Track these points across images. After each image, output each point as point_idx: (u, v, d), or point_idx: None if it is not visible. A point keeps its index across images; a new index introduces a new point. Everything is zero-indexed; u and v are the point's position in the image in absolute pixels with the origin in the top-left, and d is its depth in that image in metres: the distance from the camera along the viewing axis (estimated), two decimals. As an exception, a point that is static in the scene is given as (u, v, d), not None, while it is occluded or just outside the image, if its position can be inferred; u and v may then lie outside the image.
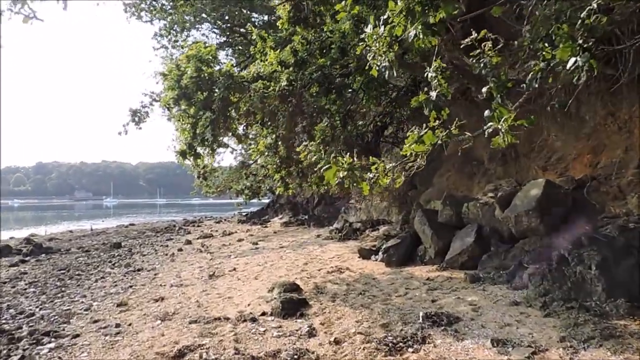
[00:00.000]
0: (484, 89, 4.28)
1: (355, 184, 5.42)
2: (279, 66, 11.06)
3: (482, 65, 4.19)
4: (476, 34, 4.27)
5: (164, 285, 10.06)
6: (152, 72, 24.35)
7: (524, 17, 7.19)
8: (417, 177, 10.08)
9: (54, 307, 8.66)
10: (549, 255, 7.44)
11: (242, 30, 25.36)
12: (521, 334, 5.45)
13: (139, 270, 12.49)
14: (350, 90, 12.45)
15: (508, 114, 3.96)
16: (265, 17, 25.47)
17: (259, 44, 11.98)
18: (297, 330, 6.27)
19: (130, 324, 7.11)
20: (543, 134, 10.39)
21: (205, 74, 10.77)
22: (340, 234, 16.65)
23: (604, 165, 8.75)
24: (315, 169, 8.76)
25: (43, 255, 16.66)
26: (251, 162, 23.65)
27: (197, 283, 10.11)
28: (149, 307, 8.20)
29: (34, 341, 6.47)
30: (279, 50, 11.42)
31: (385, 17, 4.85)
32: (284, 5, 9.16)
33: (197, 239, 20.80)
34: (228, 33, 27.07)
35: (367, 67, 5.79)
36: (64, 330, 7.02)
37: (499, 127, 4.00)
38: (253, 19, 25.63)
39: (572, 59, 3.49)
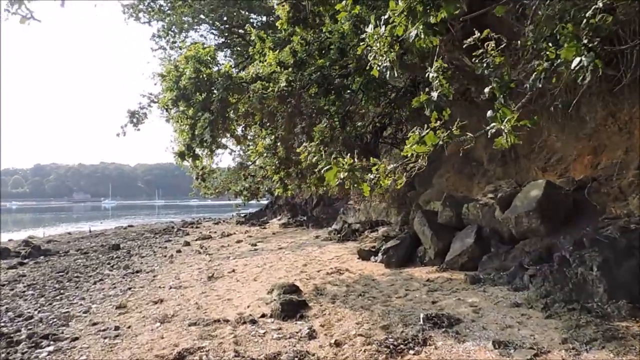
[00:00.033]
0: (487, 89, 4.25)
1: (355, 185, 5.38)
2: (278, 67, 11.03)
3: (484, 65, 4.16)
4: (479, 34, 4.24)
5: (163, 287, 10.02)
6: (151, 73, 24.35)
7: (525, 17, 7.19)
8: (416, 178, 10.04)
9: (53, 309, 8.61)
10: (549, 257, 7.44)
11: (240, 31, 25.34)
12: (523, 336, 5.42)
13: (137, 272, 12.44)
14: (349, 91, 12.42)
15: (511, 114, 3.94)
16: (264, 18, 25.46)
17: (258, 45, 11.95)
18: (297, 332, 6.23)
19: (129, 327, 7.07)
20: (543, 135, 10.36)
21: (204, 75, 10.73)
22: (339, 235, 16.63)
23: (604, 166, 8.73)
24: (315, 170, 8.74)
25: (41, 257, 16.60)
26: (250, 163, 23.63)
27: (196, 285, 10.07)
28: (148, 309, 8.16)
29: (33, 344, 6.42)
30: (277, 51, 11.39)
31: (386, 17, 4.82)
32: (283, 6, 9.12)
33: (196, 240, 20.75)
34: (226, 34, 27.06)
35: (367, 68, 5.76)
36: (62, 333, 6.97)
37: (502, 127, 3.98)
38: (251, 20, 25.63)
39: (577, 59, 3.46)
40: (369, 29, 5.07)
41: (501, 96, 4.05)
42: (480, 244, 9.14)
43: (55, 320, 7.76)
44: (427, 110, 4.71)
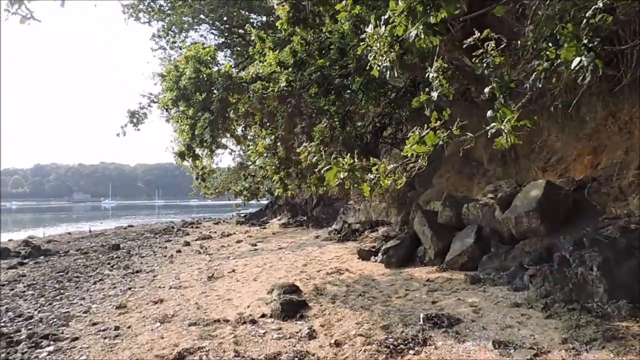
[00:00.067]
0: (487, 89, 4.25)
1: (356, 185, 5.38)
2: (278, 67, 11.03)
3: (485, 65, 4.16)
4: (479, 34, 4.23)
5: (163, 287, 10.02)
6: (151, 73, 24.37)
7: (524, 17, 7.18)
8: (416, 178, 10.05)
9: (53, 309, 8.61)
10: (549, 257, 7.44)
11: (240, 31, 25.34)
12: (523, 336, 5.42)
13: (137, 272, 12.43)
14: (349, 91, 12.42)
15: (511, 114, 3.93)
16: (264, 18, 25.46)
17: (258, 45, 11.95)
18: (297, 333, 6.23)
19: (129, 327, 7.07)
20: (543, 135, 10.36)
21: (204, 75, 10.73)
22: (339, 235, 16.63)
23: (604, 166, 8.72)
24: (315, 170, 8.73)
25: (41, 257, 16.59)
26: (250, 163, 23.62)
27: (196, 285, 10.06)
28: (148, 309, 8.15)
29: (33, 344, 6.42)
30: (277, 51, 11.39)
31: (386, 16, 4.81)
32: (283, 6, 9.12)
33: (196, 240, 20.75)
34: (226, 34, 27.06)
35: (367, 68, 5.76)
36: (62, 333, 6.96)
37: (502, 127, 3.98)
38: (251, 20, 25.61)
39: (577, 59, 3.45)
40: (369, 29, 5.07)
41: (501, 96, 4.04)
42: (480, 244, 9.14)
43: (55, 320, 7.76)
44: (427, 110, 4.71)
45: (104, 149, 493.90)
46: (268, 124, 12.03)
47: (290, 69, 10.92)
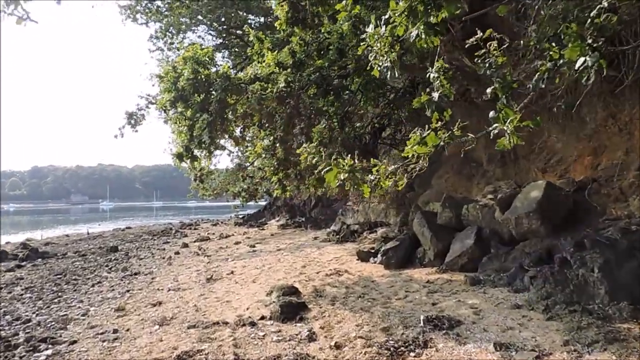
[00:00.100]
0: (489, 90, 4.21)
1: (356, 187, 5.34)
2: (277, 67, 10.99)
3: (487, 65, 4.12)
4: (482, 33, 4.20)
5: (162, 290, 9.97)
6: (148, 75, 24.34)
7: (525, 17, 7.16)
8: (415, 178, 10.01)
9: (51, 312, 8.56)
10: (550, 258, 7.41)
11: (238, 32, 25.30)
12: (524, 338, 5.39)
13: (136, 274, 12.38)
14: (348, 91, 12.40)
15: (514, 115, 3.90)
16: (262, 19, 25.42)
17: (256, 46, 11.91)
18: (297, 335, 6.20)
19: (128, 330, 7.02)
20: (543, 136, 10.33)
21: (202, 76, 10.69)
22: (337, 236, 16.59)
23: (604, 167, 8.70)
24: (314, 171, 8.69)
25: (39, 260, 16.52)
26: (248, 164, 23.59)
27: (195, 287, 10.02)
28: (147, 311, 8.11)
29: (31, 348, 6.37)
30: (276, 51, 11.35)
31: (386, 16, 4.78)
32: (282, 6, 9.08)
33: (194, 242, 20.69)
34: (224, 35, 27.02)
35: (368, 68, 5.73)
36: (61, 336, 6.92)
37: (505, 128, 3.94)
38: (249, 21, 25.57)
39: (581, 59, 3.42)
40: (370, 29, 5.03)
41: (503, 97, 4.01)
42: (480, 245, 9.10)
43: (53, 323, 7.71)
44: (428, 110, 4.67)
45: (101, 150, 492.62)
46: (267, 125, 11.99)
47: (289, 70, 10.88)
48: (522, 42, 4.80)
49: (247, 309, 7.76)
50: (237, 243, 18.92)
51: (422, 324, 6.08)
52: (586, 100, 8.55)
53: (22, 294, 10.35)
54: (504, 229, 8.96)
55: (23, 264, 15.50)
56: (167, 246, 19.74)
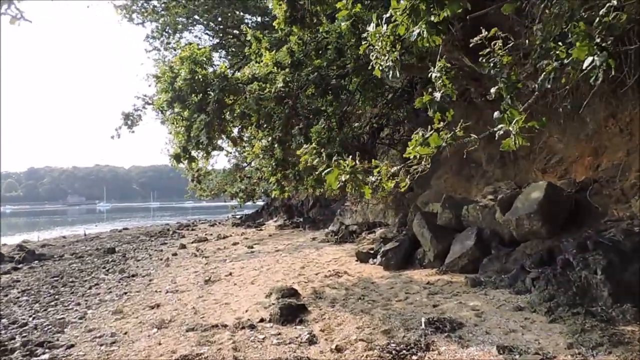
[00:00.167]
0: (493, 90, 4.15)
1: (357, 189, 5.27)
2: (275, 67, 10.92)
3: (491, 65, 4.06)
4: (487, 32, 4.13)
5: (160, 292, 9.89)
6: (145, 75, 24.26)
7: (526, 17, 7.11)
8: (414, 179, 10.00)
9: (48, 316, 8.47)
10: (551, 259, 7.35)
11: (235, 31, 25.21)
12: (527, 341, 5.32)
13: (133, 276, 12.30)
14: (346, 91, 12.35)
15: (519, 115, 3.84)
16: (259, 19, 25.35)
17: (254, 45, 11.83)
18: (297, 338, 6.12)
19: (126, 333, 6.94)
20: (543, 136, 10.29)
21: (200, 76, 10.61)
22: (336, 237, 16.53)
23: (605, 168, 8.66)
24: (313, 172, 8.63)
25: (36, 262, 16.42)
26: (245, 164, 23.55)
27: (193, 289, 9.94)
28: (145, 314, 8.03)
29: (28, 352, 6.28)
30: (274, 51, 11.28)
31: (387, 15, 4.71)
32: (281, 5, 9.01)
33: (192, 242, 20.59)
34: (221, 35, 26.93)
35: (369, 67, 5.66)
36: (58, 340, 6.83)
37: (510, 129, 3.88)
38: (246, 21, 25.49)
39: (589, 59, 3.36)
40: (371, 28, 4.96)
41: (508, 97, 3.95)
42: (481, 246, 9.04)
43: (50, 327, 7.62)
44: (430, 111, 4.61)
45: (98, 151, 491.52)
46: (265, 125, 11.91)
47: (287, 70, 10.80)
48: (527, 41, 4.74)
49: (246, 311, 7.69)
50: (235, 244, 18.83)
51: (423, 326, 6.01)
52: (586, 100, 8.51)
53: (18, 297, 10.26)
54: (505, 230, 8.91)
55: (19, 266, 15.40)
56: (164, 247, 19.65)
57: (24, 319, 8.20)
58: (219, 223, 34.56)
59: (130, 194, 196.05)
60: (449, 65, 4.79)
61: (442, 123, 4.54)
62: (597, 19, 3.42)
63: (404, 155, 4.92)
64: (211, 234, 24.28)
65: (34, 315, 8.53)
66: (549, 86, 3.86)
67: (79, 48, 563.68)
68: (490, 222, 9.37)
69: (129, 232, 30.47)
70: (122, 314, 8.17)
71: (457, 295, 7.60)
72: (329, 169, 5.28)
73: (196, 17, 24.23)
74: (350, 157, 5.36)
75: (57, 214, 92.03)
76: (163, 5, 23.15)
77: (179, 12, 22.73)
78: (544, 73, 3.84)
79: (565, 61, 3.65)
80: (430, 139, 4.43)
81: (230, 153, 23.45)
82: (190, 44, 12.65)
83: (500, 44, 4.06)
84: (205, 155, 12.31)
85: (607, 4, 3.35)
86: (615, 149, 8.58)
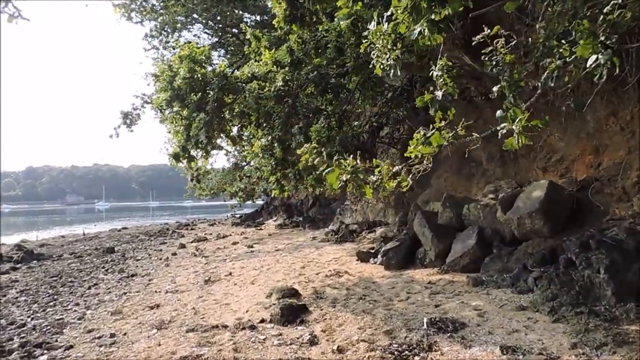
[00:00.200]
0: (495, 88, 4.11)
1: (358, 188, 5.23)
2: (274, 66, 10.88)
3: (494, 63, 4.02)
4: (489, 30, 4.09)
5: (159, 292, 9.84)
6: (144, 74, 24.22)
7: (527, 15, 7.06)
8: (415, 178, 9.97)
9: (47, 316, 8.41)
10: (553, 258, 7.31)
11: (234, 30, 25.17)
12: (530, 341, 5.28)
13: (132, 275, 12.24)
14: (346, 90, 12.31)
15: (522, 114, 3.80)
16: (258, 17, 25.30)
17: (254, 44, 11.79)
18: (298, 338, 6.08)
19: (125, 334, 6.89)
20: (544, 134, 10.24)
21: (199, 75, 10.58)
22: (336, 236, 16.46)
23: (606, 166, 8.63)
24: (313, 171, 8.59)
25: (34, 261, 16.32)
26: (244, 163, 23.50)
27: (193, 289, 9.89)
28: (144, 315, 7.98)
29: (26, 353, 6.22)
30: (273, 50, 11.23)
31: (388, 13, 4.67)
32: (280, 3, 8.97)
33: (191, 242, 20.52)
34: (220, 33, 26.88)
35: (369, 66, 5.62)
36: (56, 341, 6.77)
37: (513, 128, 3.84)
38: (245, 19, 25.44)
39: (593, 56, 3.32)
40: (372, 26, 4.92)
41: (511, 95, 3.91)
42: (482, 245, 9.00)
43: (49, 327, 7.56)
44: (432, 109, 4.57)
45: (97, 150, 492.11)
46: (264, 124, 11.87)
47: (286, 68, 10.77)
48: (530, 39, 4.70)
49: (247, 311, 7.64)
50: (234, 243, 18.76)
51: (425, 326, 5.97)
52: (588, 99, 8.48)
53: (17, 297, 10.20)
54: (506, 229, 8.87)
55: (18, 266, 15.31)
56: (164, 247, 19.58)
57: (22, 320, 8.14)
58: (219, 222, 34.47)
59: (129, 193, 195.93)
60: (450, 63, 4.74)
61: (443, 122, 4.50)
62: (601, 16, 3.39)
63: (405, 155, 4.88)
64: (211, 234, 24.21)
65: (32, 316, 8.46)
66: (552, 84, 3.83)
67: (77, 47, 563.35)
68: (491, 221, 9.33)
69: (128, 231, 30.38)
70: (121, 314, 8.11)
71: (459, 295, 7.56)
72: (329, 169, 5.23)
73: (195, 15, 24.19)
74: (351, 156, 5.31)
75: (56, 213, 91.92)
76: (162, 3, 23.08)
77: (178, 10, 22.66)
78: (547, 71, 3.80)
79: (569, 59, 3.60)
80: (432, 138, 4.39)
81: (230, 152, 23.45)
82: (189, 42, 12.62)
83: (503, 42, 4.02)
84: (204, 154, 12.28)
85: (612, 2, 3.31)
86: (617, 148, 8.54)
